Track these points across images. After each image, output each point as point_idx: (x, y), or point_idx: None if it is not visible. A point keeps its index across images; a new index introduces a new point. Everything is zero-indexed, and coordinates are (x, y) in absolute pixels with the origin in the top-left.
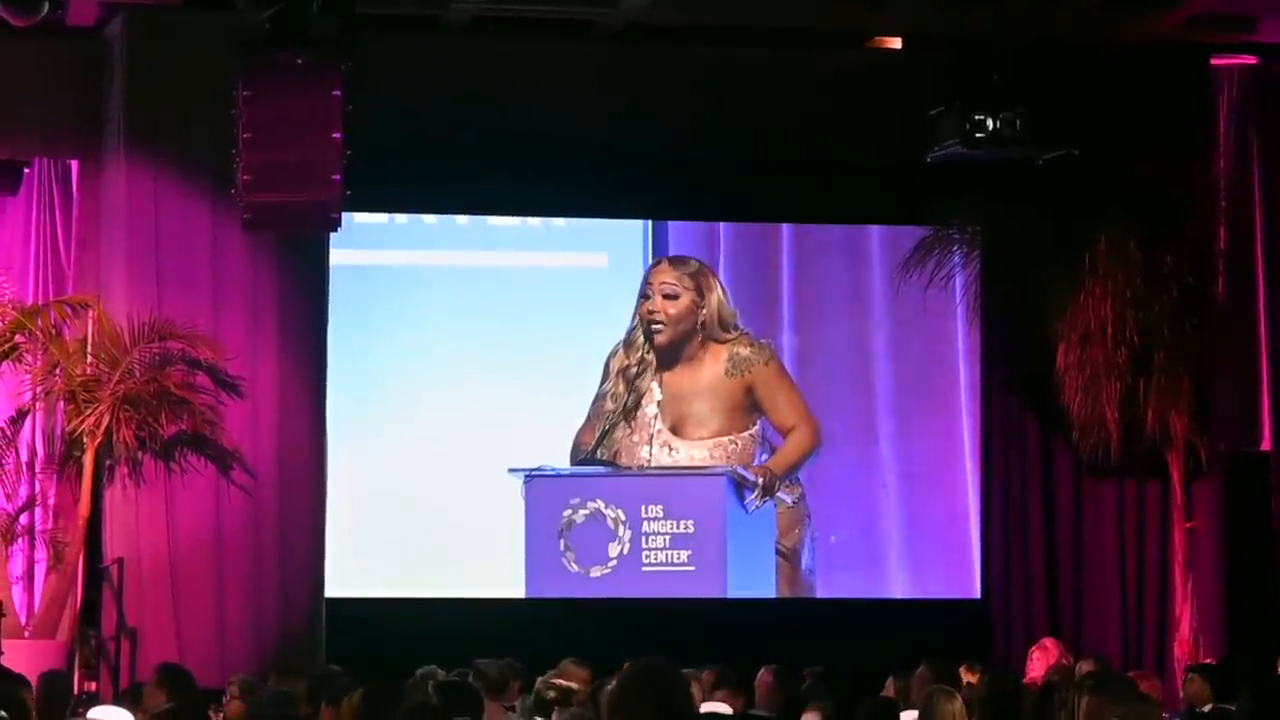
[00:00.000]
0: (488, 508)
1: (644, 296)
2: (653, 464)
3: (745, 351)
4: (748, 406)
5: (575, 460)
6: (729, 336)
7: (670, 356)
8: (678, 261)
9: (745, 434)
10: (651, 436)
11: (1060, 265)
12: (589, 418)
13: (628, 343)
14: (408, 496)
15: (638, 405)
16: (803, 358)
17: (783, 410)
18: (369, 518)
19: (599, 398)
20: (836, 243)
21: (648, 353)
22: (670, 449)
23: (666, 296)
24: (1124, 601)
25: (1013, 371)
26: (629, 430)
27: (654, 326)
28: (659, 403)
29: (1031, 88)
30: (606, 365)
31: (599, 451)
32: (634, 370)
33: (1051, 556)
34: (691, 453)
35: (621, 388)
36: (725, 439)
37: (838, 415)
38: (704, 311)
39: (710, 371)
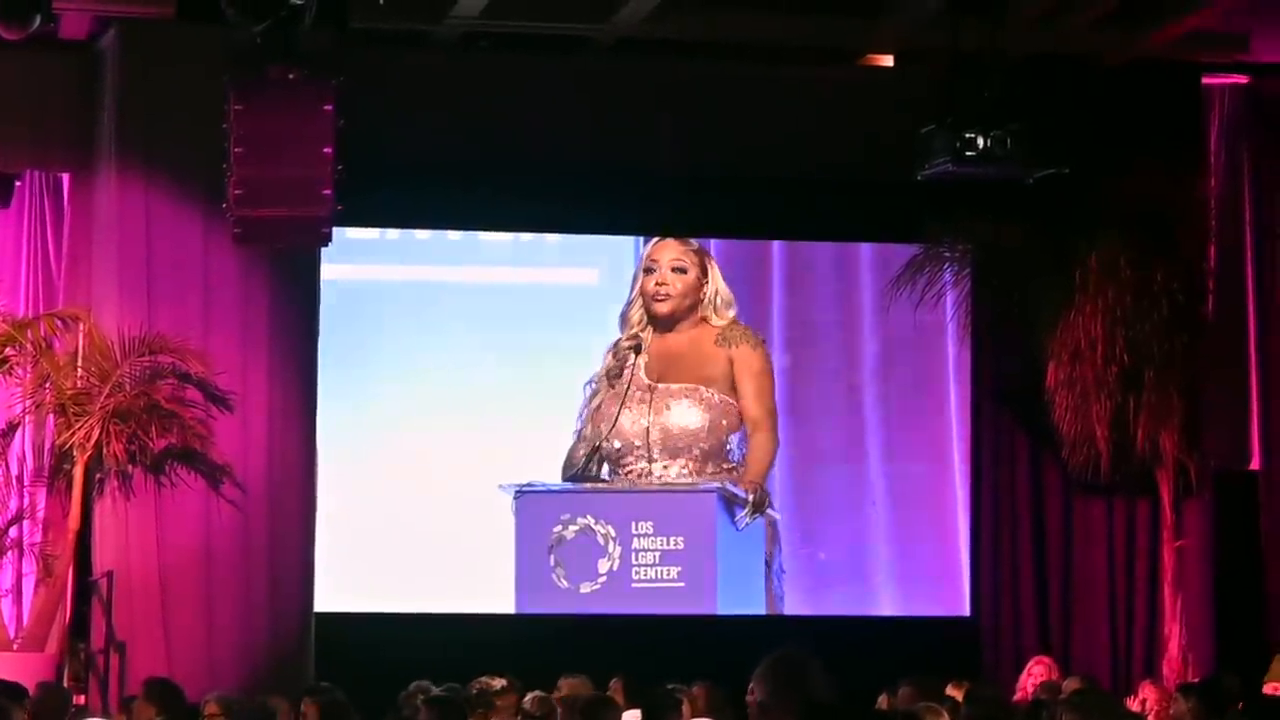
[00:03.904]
0: (478, 523)
1: (647, 271)
2: (630, 409)
3: (738, 332)
4: (729, 376)
5: (566, 473)
6: (722, 322)
7: (666, 325)
8: (681, 240)
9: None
10: (631, 381)
11: (1051, 282)
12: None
13: (609, 373)
14: (398, 511)
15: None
16: (792, 374)
17: (750, 397)
18: (359, 532)
19: (581, 414)
20: (826, 260)
21: (635, 356)
22: (652, 391)
23: (676, 269)
24: (1113, 619)
25: (1003, 389)
26: (611, 390)
27: (659, 299)
28: (645, 362)
29: (1023, 105)
30: (585, 389)
31: (590, 466)
32: (616, 370)
33: (1041, 574)
34: (669, 400)
35: (605, 385)
36: (704, 388)
37: (827, 432)
38: (707, 288)
39: (702, 337)
